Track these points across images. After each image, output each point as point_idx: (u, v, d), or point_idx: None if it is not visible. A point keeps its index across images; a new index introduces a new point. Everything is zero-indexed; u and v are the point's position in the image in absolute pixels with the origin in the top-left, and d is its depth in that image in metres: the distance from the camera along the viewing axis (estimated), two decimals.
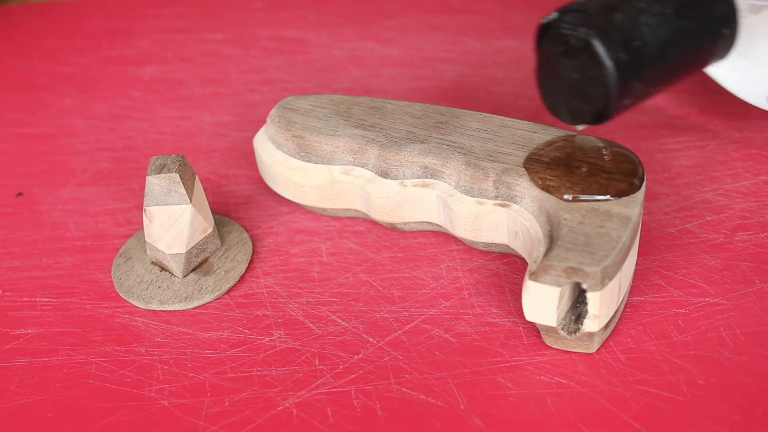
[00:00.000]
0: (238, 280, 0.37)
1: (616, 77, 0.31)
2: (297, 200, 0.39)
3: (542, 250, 0.33)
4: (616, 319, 0.34)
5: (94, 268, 0.38)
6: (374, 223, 0.40)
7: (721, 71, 0.35)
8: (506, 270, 0.37)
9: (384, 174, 0.37)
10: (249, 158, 0.43)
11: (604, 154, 0.34)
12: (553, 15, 0.32)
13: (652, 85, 0.32)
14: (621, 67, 0.31)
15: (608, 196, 0.33)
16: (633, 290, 0.36)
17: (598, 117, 0.32)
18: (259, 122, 0.45)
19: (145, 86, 0.49)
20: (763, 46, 0.34)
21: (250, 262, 0.38)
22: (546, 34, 0.32)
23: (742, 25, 0.33)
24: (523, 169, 0.35)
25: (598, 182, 0.34)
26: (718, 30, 0.33)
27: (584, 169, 0.34)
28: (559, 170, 0.34)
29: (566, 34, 0.31)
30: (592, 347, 0.33)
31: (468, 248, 0.38)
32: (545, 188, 0.34)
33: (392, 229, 0.39)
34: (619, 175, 0.34)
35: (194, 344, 0.35)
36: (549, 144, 0.36)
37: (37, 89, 0.49)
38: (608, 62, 0.30)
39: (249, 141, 0.44)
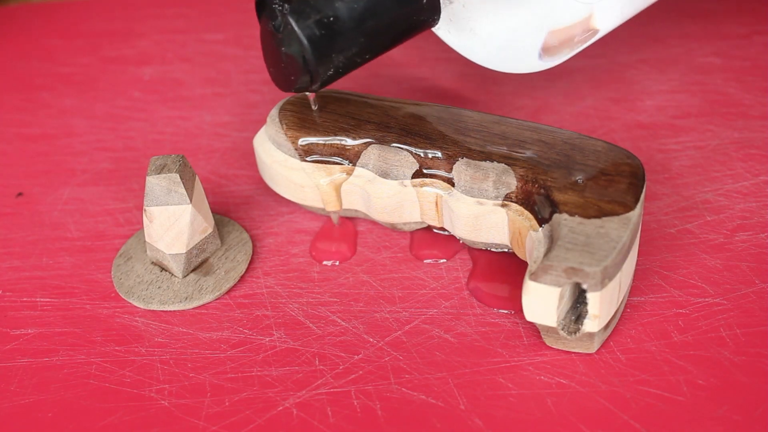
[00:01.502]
0: (238, 280, 0.37)
1: (311, 52, 0.33)
2: (297, 200, 0.39)
3: (542, 250, 0.33)
4: (616, 320, 0.34)
5: (94, 268, 0.38)
6: (374, 223, 0.40)
7: (450, 38, 0.37)
8: (510, 268, 0.37)
9: (384, 174, 0.37)
10: (249, 158, 0.43)
11: (579, 180, 0.34)
12: None
13: (355, 55, 0.34)
14: (316, 42, 0.33)
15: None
16: (633, 290, 0.36)
17: (307, 86, 0.34)
18: (259, 122, 0.45)
19: (145, 86, 0.49)
20: (476, 20, 0.36)
21: (250, 263, 0.38)
22: (262, 8, 0.34)
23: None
24: (523, 169, 0.35)
25: (597, 184, 0.34)
26: (419, 2, 0.34)
27: (579, 181, 0.34)
28: (559, 172, 0.34)
29: (276, 9, 0.33)
30: (592, 347, 0.33)
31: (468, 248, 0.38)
32: (545, 189, 0.34)
33: (392, 229, 0.39)
34: (619, 176, 0.34)
35: (194, 344, 0.35)
36: (549, 145, 0.36)
37: (37, 89, 0.49)
38: (303, 38, 0.33)
39: (249, 141, 0.44)
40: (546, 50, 0.36)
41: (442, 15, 0.35)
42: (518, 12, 0.35)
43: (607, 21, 0.38)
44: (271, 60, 0.35)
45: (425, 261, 0.37)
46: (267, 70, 0.36)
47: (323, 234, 0.39)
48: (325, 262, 0.38)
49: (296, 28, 0.33)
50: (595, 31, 0.37)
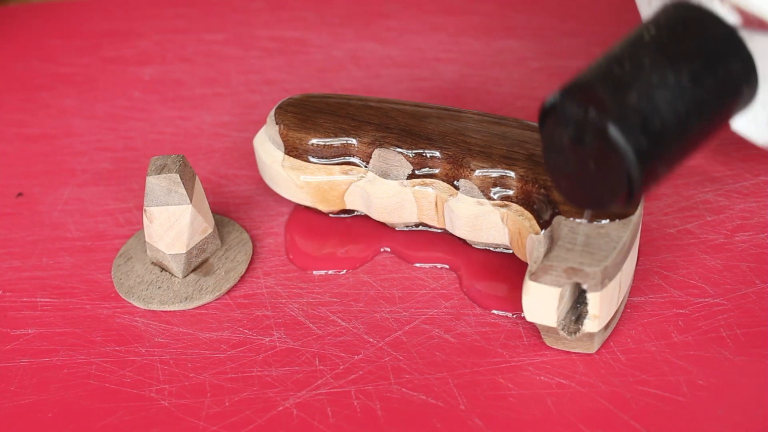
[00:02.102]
0: (239, 281, 0.37)
1: (637, 166, 0.27)
2: (297, 200, 0.39)
3: (542, 250, 0.33)
4: (616, 320, 0.34)
5: (95, 268, 0.38)
6: (374, 222, 0.40)
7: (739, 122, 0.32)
8: (506, 270, 0.37)
9: (384, 174, 0.37)
10: (249, 158, 0.43)
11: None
12: (557, 95, 0.28)
13: (675, 161, 0.29)
14: (642, 154, 0.27)
15: None
16: (633, 290, 0.36)
17: (623, 203, 0.29)
18: (259, 122, 0.45)
19: (145, 86, 0.49)
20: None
21: (250, 263, 0.38)
22: (550, 116, 0.28)
23: (762, 77, 0.29)
24: (523, 169, 0.35)
25: None
26: (739, 89, 0.29)
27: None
28: None
29: (574, 117, 0.27)
30: (592, 347, 0.33)
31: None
32: (545, 189, 0.34)
33: (391, 229, 0.39)
34: None
35: (194, 344, 0.35)
36: None
37: (37, 89, 0.49)
38: (629, 151, 0.27)
39: (249, 141, 0.44)
40: None
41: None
42: None
43: None
44: (567, 174, 0.29)
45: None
46: (556, 182, 0.30)
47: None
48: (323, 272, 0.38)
49: (618, 138, 0.27)
50: None
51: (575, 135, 0.28)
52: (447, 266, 0.37)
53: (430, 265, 0.37)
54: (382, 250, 0.38)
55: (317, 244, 0.39)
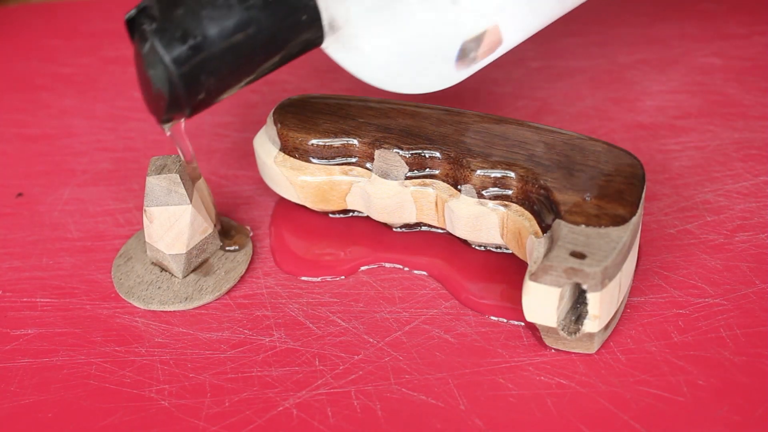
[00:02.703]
0: (239, 281, 0.37)
1: (177, 74, 0.30)
2: (297, 200, 0.39)
3: (542, 250, 0.33)
4: (616, 320, 0.34)
5: (94, 268, 0.38)
6: (373, 222, 0.40)
7: (340, 57, 0.34)
8: (506, 270, 0.37)
9: (384, 174, 0.37)
10: (249, 158, 0.43)
11: (587, 198, 0.33)
12: (134, 10, 0.31)
13: (228, 77, 0.32)
14: (182, 64, 0.30)
15: None
16: (633, 291, 0.36)
17: (176, 112, 0.32)
18: (259, 122, 0.45)
19: None
20: (363, 37, 0.33)
21: (250, 263, 0.38)
22: (131, 29, 0.32)
23: (324, 9, 0.32)
24: (523, 169, 0.35)
25: (598, 185, 0.34)
26: (295, 17, 0.32)
27: (587, 199, 0.33)
28: (559, 172, 0.34)
29: (143, 29, 0.31)
30: (592, 348, 0.33)
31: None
32: (546, 190, 0.34)
33: (390, 229, 0.39)
34: (619, 177, 0.34)
35: (194, 345, 0.35)
36: (549, 145, 0.36)
37: (37, 89, 0.49)
38: (167, 59, 0.30)
39: (249, 141, 0.44)
40: (459, 59, 0.34)
41: (327, 33, 0.33)
42: (406, 27, 0.33)
43: (508, 35, 0.35)
44: (143, 84, 0.32)
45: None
46: (143, 95, 0.33)
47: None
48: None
49: (160, 48, 0.30)
50: (499, 42, 0.35)
51: (141, 47, 0.31)
52: (434, 280, 0.37)
53: (420, 272, 0.37)
54: (378, 265, 0.38)
55: (306, 248, 0.39)
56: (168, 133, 0.34)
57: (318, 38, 0.33)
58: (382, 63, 0.34)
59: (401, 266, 0.37)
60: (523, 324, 0.35)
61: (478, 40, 0.34)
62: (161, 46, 0.30)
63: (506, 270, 0.37)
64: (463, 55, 0.34)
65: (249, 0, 0.31)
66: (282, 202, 0.41)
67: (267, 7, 0.31)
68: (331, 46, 0.33)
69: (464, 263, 0.37)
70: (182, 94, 0.31)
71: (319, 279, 0.37)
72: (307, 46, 0.33)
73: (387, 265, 0.37)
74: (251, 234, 0.39)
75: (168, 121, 0.33)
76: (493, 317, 0.35)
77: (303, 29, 0.32)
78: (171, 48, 0.30)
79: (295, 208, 0.40)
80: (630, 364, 0.33)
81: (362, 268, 0.37)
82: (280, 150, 0.38)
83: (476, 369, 0.33)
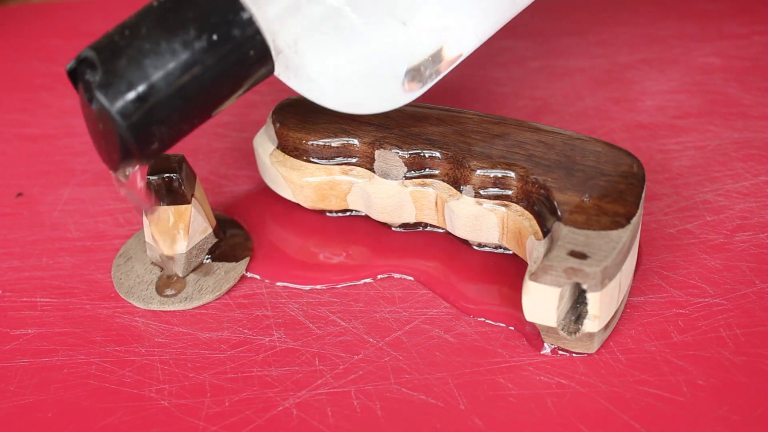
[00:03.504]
0: (238, 280, 0.37)
1: (126, 127, 0.30)
2: (297, 200, 0.39)
3: (542, 250, 0.33)
4: (616, 320, 0.34)
5: (94, 268, 0.38)
6: (373, 222, 0.40)
7: (294, 84, 0.34)
8: (506, 270, 0.37)
9: (384, 174, 0.37)
10: (249, 158, 0.43)
11: (585, 199, 0.33)
12: (73, 62, 0.31)
13: (181, 121, 0.31)
14: (127, 114, 0.30)
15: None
16: (633, 290, 0.36)
17: (129, 162, 0.31)
18: (259, 122, 0.45)
19: None
20: (311, 66, 0.32)
21: (250, 263, 0.38)
22: (73, 79, 0.31)
23: (271, 41, 0.31)
24: (523, 169, 0.35)
25: (598, 185, 0.34)
26: (242, 52, 0.31)
27: (586, 200, 0.33)
28: (559, 172, 0.34)
29: (87, 81, 0.30)
30: (592, 347, 0.33)
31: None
32: (546, 190, 0.34)
33: (389, 229, 0.39)
34: (619, 177, 0.34)
35: (194, 344, 0.35)
36: (549, 145, 0.36)
37: (37, 89, 0.49)
38: (112, 111, 0.29)
39: (249, 141, 0.44)
40: (408, 82, 0.34)
41: (277, 64, 0.32)
42: (357, 53, 0.32)
43: (464, 45, 0.35)
44: (93, 134, 0.32)
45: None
46: (95, 144, 0.32)
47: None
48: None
49: (106, 103, 0.29)
50: (457, 57, 0.35)
51: (88, 97, 0.30)
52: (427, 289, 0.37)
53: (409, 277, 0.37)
54: (379, 277, 0.38)
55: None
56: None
57: (269, 70, 0.32)
58: (335, 89, 0.33)
59: (408, 276, 0.37)
60: (513, 329, 0.35)
61: (435, 57, 0.33)
62: (106, 99, 0.29)
63: (505, 271, 0.37)
64: (419, 73, 0.33)
65: (193, 42, 0.30)
66: (282, 201, 0.41)
67: (212, 47, 0.30)
68: (283, 74, 0.33)
69: (462, 264, 0.37)
70: (133, 145, 0.30)
71: (320, 286, 0.37)
72: (259, 79, 0.32)
73: (396, 275, 0.37)
74: (252, 244, 0.39)
75: (123, 170, 0.32)
76: (487, 320, 0.35)
77: (251, 64, 0.31)
78: (116, 100, 0.29)
79: (296, 207, 0.40)
80: (630, 363, 0.33)
81: (363, 281, 0.37)
82: (276, 148, 0.38)
83: (476, 369, 0.33)
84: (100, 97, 0.29)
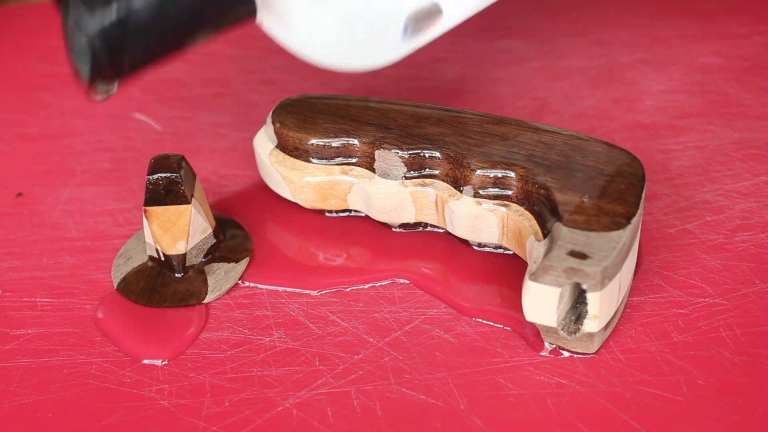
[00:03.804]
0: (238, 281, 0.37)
1: (102, 45, 0.30)
2: (297, 200, 0.39)
3: (542, 250, 0.33)
4: (616, 320, 0.34)
5: (94, 268, 0.38)
6: (373, 222, 0.40)
7: (274, 31, 0.33)
8: (506, 270, 0.37)
9: (384, 174, 0.37)
10: (249, 158, 0.43)
11: (585, 200, 0.33)
12: None
13: (155, 47, 0.31)
14: (103, 28, 0.30)
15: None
16: (633, 290, 0.36)
17: (100, 80, 0.31)
18: (259, 122, 0.45)
19: (145, 86, 0.49)
20: (292, 10, 0.32)
21: (250, 262, 0.38)
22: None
23: None
24: (523, 169, 0.35)
25: (598, 185, 0.34)
26: None
27: (586, 201, 0.33)
28: (559, 173, 0.34)
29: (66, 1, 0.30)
30: (592, 347, 0.33)
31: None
32: (546, 190, 0.34)
33: (389, 229, 0.39)
34: (619, 177, 0.34)
35: (194, 344, 0.35)
36: (549, 145, 0.36)
37: (37, 89, 0.49)
38: (89, 23, 0.30)
39: (249, 141, 0.44)
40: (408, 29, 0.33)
41: (260, 7, 0.32)
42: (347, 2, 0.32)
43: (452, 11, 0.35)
44: (69, 50, 0.32)
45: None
46: (70, 62, 0.32)
47: None
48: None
49: (83, 16, 0.30)
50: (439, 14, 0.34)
51: (65, 14, 0.31)
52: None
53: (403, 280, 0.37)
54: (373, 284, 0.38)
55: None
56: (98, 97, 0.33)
57: (250, 9, 0.32)
58: (320, 38, 0.33)
59: (407, 281, 0.37)
60: (509, 329, 0.35)
61: (425, 12, 0.33)
62: (84, 13, 0.30)
63: (505, 272, 0.37)
64: (407, 28, 0.33)
65: None
66: (282, 202, 0.41)
67: None
68: (266, 20, 0.33)
69: (462, 264, 0.37)
70: (105, 62, 0.30)
71: (317, 293, 0.37)
72: (239, 16, 0.32)
73: (400, 280, 0.37)
74: (251, 245, 0.39)
75: (97, 89, 0.32)
76: (485, 321, 0.35)
77: (234, 2, 0.31)
78: (94, 16, 0.30)
79: (295, 207, 0.40)
80: (630, 363, 0.33)
81: (355, 286, 0.37)
82: (276, 147, 0.38)
83: (476, 369, 0.33)
84: (79, 10, 0.30)
